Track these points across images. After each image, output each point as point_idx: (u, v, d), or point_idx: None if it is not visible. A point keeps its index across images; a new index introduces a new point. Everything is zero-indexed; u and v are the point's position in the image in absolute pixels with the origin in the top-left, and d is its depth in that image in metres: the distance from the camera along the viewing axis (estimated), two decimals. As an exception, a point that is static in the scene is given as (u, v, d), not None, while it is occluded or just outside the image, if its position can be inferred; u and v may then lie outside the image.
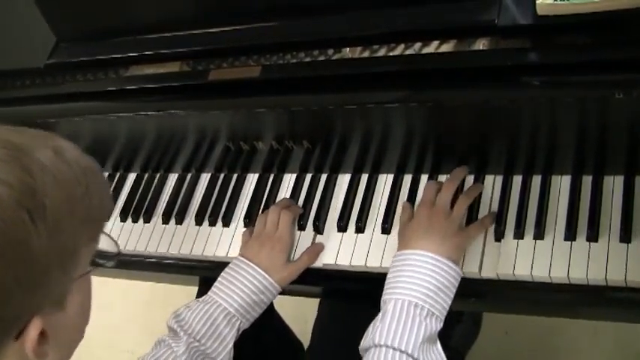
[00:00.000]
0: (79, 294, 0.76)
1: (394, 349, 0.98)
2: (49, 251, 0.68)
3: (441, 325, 1.05)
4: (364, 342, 1.04)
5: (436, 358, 1.02)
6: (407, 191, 1.25)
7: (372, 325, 1.05)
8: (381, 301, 1.08)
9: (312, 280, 1.25)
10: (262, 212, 1.33)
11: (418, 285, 1.05)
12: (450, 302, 1.07)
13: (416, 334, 1.00)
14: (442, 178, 1.23)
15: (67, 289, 0.74)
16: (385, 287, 1.08)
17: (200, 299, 1.20)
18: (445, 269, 1.06)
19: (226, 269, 1.23)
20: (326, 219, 1.28)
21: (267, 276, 1.20)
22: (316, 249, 1.26)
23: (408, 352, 0.98)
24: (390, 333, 1.00)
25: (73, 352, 0.82)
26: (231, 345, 1.18)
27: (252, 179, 1.39)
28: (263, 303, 1.22)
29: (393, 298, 1.05)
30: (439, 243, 1.09)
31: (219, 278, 1.22)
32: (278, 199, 1.34)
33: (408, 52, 1.09)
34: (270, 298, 1.22)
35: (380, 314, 1.05)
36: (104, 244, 0.82)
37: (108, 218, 0.80)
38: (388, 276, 1.09)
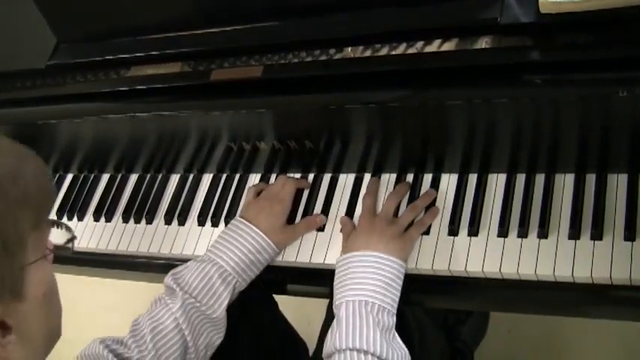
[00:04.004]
0: (38, 284, 0.76)
1: (357, 350, 1.02)
2: None
3: (394, 318, 1.08)
4: (326, 349, 1.06)
5: (398, 348, 1.05)
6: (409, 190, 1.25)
7: (329, 332, 1.07)
8: (333, 307, 1.10)
9: (320, 280, 1.25)
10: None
11: (365, 284, 1.08)
12: (398, 294, 1.10)
13: (373, 331, 1.03)
14: (445, 177, 1.23)
15: (20, 276, 0.74)
16: (335, 292, 1.12)
17: (198, 259, 1.22)
18: (388, 264, 1.10)
19: (225, 229, 1.25)
20: (328, 219, 1.28)
21: (264, 236, 1.22)
22: (316, 218, 1.28)
23: (370, 350, 1.01)
24: (349, 336, 1.03)
25: (50, 349, 0.81)
26: (226, 303, 1.18)
27: (254, 180, 1.38)
28: (260, 263, 1.23)
29: (343, 301, 1.08)
30: (383, 244, 1.13)
31: (217, 238, 1.24)
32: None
33: (410, 51, 1.08)
34: (267, 259, 1.24)
35: (335, 321, 1.07)
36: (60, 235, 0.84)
37: (51, 204, 0.81)
38: (335, 281, 1.13)
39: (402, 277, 1.11)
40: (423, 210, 1.21)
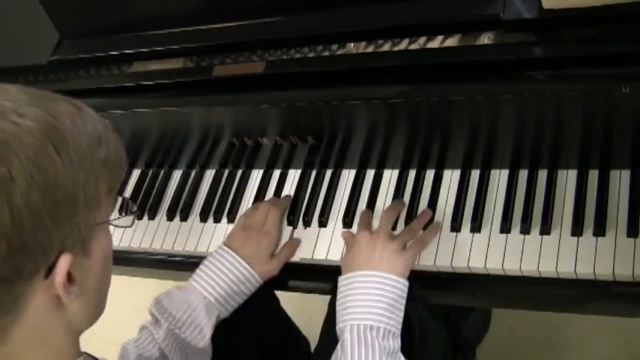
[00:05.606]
0: (101, 247, 0.80)
1: None
2: (74, 182, 0.72)
3: (399, 340, 1.06)
4: None
5: None
6: (411, 186, 1.24)
7: (334, 356, 1.06)
8: (337, 329, 1.09)
9: (322, 276, 1.25)
10: (253, 205, 1.35)
11: (369, 306, 1.06)
12: (402, 315, 1.08)
13: (379, 357, 1.02)
14: (447, 173, 1.23)
15: (92, 232, 0.77)
16: (337, 313, 1.10)
17: (181, 288, 1.21)
18: (391, 283, 1.08)
19: (209, 258, 1.24)
20: (330, 215, 1.28)
21: (249, 268, 1.22)
22: (294, 243, 1.28)
23: None
24: None
25: (94, 321, 0.84)
26: (209, 334, 1.18)
27: (256, 175, 1.38)
28: (243, 293, 1.23)
29: (347, 324, 1.06)
30: (385, 261, 1.11)
31: (201, 266, 1.23)
32: (283, 195, 1.34)
33: (412, 46, 1.08)
34: (250, 290, 1.23)
35: (339, 345, 1.06)
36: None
37: (124, 175, 0.85)
38: (337, 302, 1.11)
39: (406, 296, 1.09)
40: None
